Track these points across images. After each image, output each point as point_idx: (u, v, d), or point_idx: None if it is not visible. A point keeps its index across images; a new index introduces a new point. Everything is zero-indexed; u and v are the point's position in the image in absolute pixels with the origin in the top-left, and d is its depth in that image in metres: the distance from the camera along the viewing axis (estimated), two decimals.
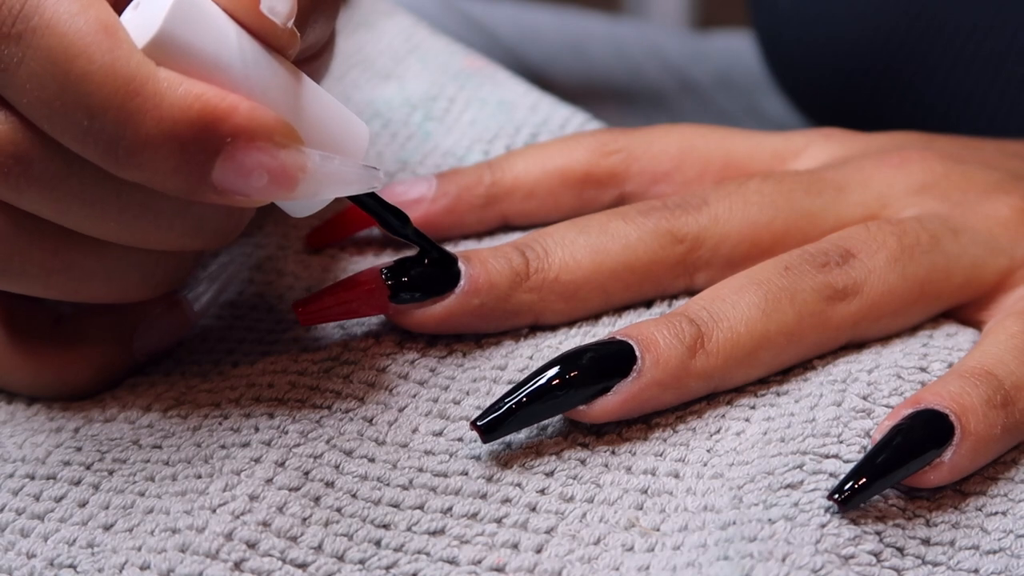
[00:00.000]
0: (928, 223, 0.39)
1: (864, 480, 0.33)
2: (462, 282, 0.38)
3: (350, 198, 0.36)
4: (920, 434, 0.34)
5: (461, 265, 0.38)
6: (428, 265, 0.38)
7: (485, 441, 0.36)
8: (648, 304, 0.41)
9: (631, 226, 0.40)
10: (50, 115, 0.32)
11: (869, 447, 0.35)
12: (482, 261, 0.39)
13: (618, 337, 0.36)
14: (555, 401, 0.36)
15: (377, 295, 0.38)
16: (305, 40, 0.35)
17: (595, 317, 0.40)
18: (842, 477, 0.34)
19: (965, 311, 0.40)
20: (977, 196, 0.41)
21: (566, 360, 0.36)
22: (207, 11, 0.32)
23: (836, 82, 0.60)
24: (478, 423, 0.35)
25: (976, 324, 0.40)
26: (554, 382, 0.36)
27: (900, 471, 0.34)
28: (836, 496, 0.33)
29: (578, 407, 0.36)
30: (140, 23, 0.32)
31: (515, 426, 0.36)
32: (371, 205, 0.37)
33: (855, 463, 0.34)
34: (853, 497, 0.33)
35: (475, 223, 0.43)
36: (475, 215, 0.43)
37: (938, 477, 0.34)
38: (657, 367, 0.36)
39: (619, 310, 0.40)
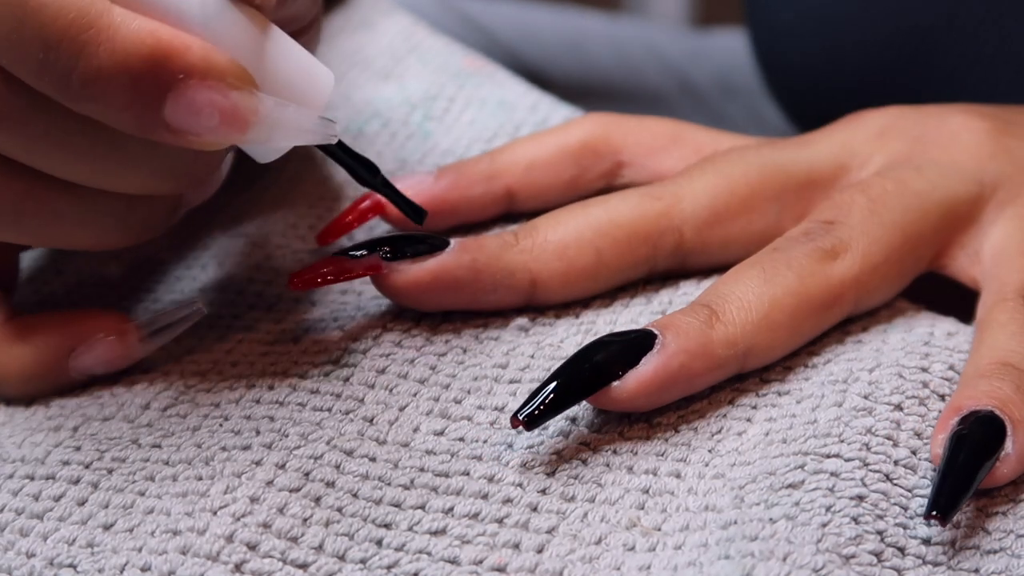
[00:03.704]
0: (890, 173, 0.41)
1: (954, 491, 0.33)
2: (453, 242, 0.39)
3: (319, 147, 0.37)
4: (982, 435, 0.34)
5: (450, 239, 0.40)
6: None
7: (529, 430, 0.35)
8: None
9: (612, 199, 0.41)
10: (8, 49, 0.32)
11: (937, 461, 0.34)
12: (471, 238, 0.40)
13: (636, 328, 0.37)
14: (589, 380, 0.36)
15: (370, 254, 0.39)
16: (293, 4, 0.36)
17: (595, 313, 0.40)
18: (930, 495, 0.33)
19: (958, 265, 0.41)
20: (935, 125, 0.42)
21: (591, 346, 0.36)
22: None
23: (835, 96, 0.60)
24: (519, 416, 0.35)
25: (972, 282, 0.40)
26: (584, 364, 0.36)
27: (981, 472, 0.34)
28: (934, 513, 0.33)
29: (611, 384, 0.36)
30: None
31: (554, 412, 0.35)
32: (338, 154, 0.37)
33: (935, 479, 0.34)
34: (950, 511, 0.33)
35: (481, 196, 0.44)
36: (480, 188, 0.44)
37: (1010, 469, 0.34)
38: (679, 338, 0.36)
39: (618, 314, 0.41)
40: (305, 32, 0.39)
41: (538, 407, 0.35)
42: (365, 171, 0.38)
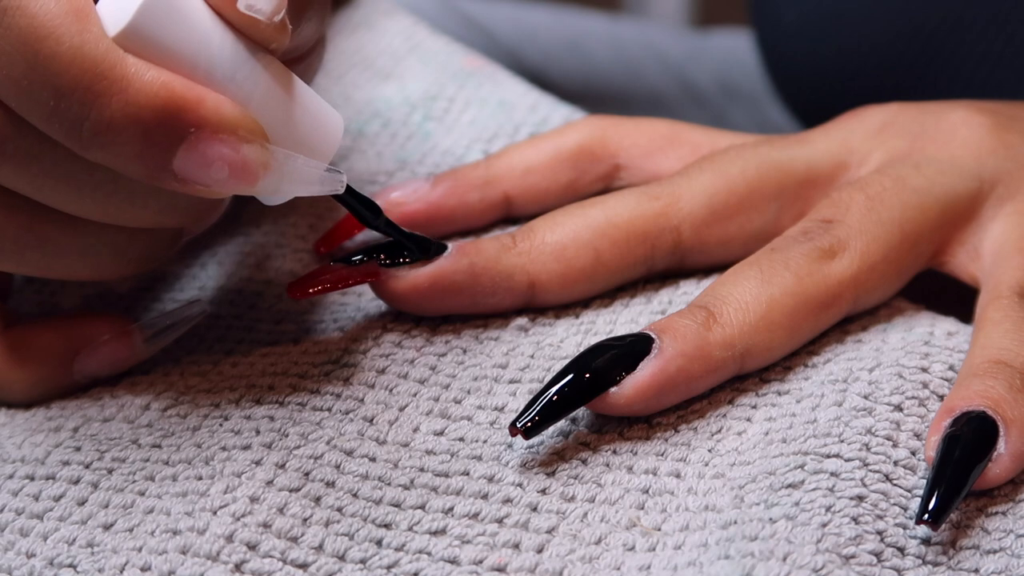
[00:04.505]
0: (888, 170, 0.40)
1: (945, 494, 0.33)
2: (450, 247, 0.39)
3: None
4: (973, 435, 0.34)
5: (448, 243, 0.40)
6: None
7: (527, 439, 0.35)
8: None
9: (609, 199, 0.41)
10: (18, 94, 0.32)
11: (931, 463, 0.34)
12: (468, 241, 0.40)
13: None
14: (586, 386, 0.36)
15: (367, 261, 0.39)
16: (297, 36, 0.35)
17: (595, 313, 0.41)
18: (921, 499, 0.33)
19: (957, 263, 0.41)
20: (934, 121, 0.42)
21: (588, 351, 0.36)
22: (183, 4, 0.32)
23: (841, 95, 0.60)
24: (517, 425, 0.35)
25: (971, 280, 0.40)
26: (581, 370, 0.36)
27: (973, 474, 0.34)
28: (925, 518, 0.33)
29: (609, 389, 0.36)
30: (114, 10, 0.32)
31: (552, 419, 0.36)
32: (342, 196, 0.37)
33: (926, 482, 0.34)
34: (941, 514, 0.33)
35: (478, 202, 0.44)
36: (477, 194, 0.44)
37: (1003, 469, 0.34)
38: (676, 342, 0.36)
39: (618, 313, 0.41)
40: (307, 56, 0.39)
41: (536, 416, 0.35)
42: (368, 213, 0.38)
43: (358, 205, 0.38)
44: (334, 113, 0.35)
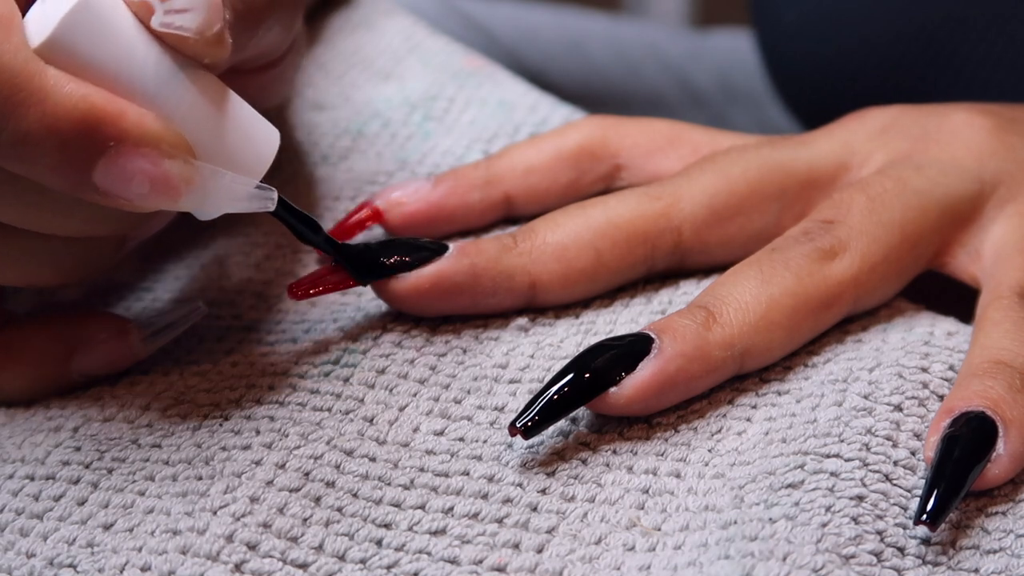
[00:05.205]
0: (890, 171, 0.40)
1: (943, 495, 0.33)
2: (451, 247, 0.39)
3: None
4: (972, 436, 0.34)
5: (448, 243, 0.40)
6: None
7: (526, 438, 0.35)
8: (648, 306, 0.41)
9: (610, 199, 0.41)
10: None
11: (929, 464, 0.34)
12: (469, 241, 0.40)
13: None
14: (586, 386, 0.36)
15: None
16: (256, 46, 0.35)
17: (595, 313, 0.41)
18: (920, 500, 0.33)
19: (958, 264, 0.41)
20: (936, 123, 0.42)
21: (588, 351, 0.36)
22: (109, 17, 0.32)
23: (842, 96, 0.60)
24: (517, 425, 0.35)
25: (972, 281, 0.40)
26: (581, 370, 0.36)
27: (972, 474, 0.34)
28: (923, 518, 0.33)
29: (609, 389, 0.36)
30: (40, 21, 0.32)
31: (551, 419, 0.36)
32: (279, 212, 0.37)
33: (925, 483, 0.34)
34: (940, 515, 0.33)
35: (479, 202, 0.44)
36: (478, 194, 0.44)
37: (1002, 470, 0.34)
38: (676, 342, 0.36)
39: (618, 314, 0.41)
40: (279, 63, 0.39)
41: (535, 416, 0.35)
42: (308, 230, 0.37)
43: (296, 222, 0.37)
44: (271, 130, 0.35)
